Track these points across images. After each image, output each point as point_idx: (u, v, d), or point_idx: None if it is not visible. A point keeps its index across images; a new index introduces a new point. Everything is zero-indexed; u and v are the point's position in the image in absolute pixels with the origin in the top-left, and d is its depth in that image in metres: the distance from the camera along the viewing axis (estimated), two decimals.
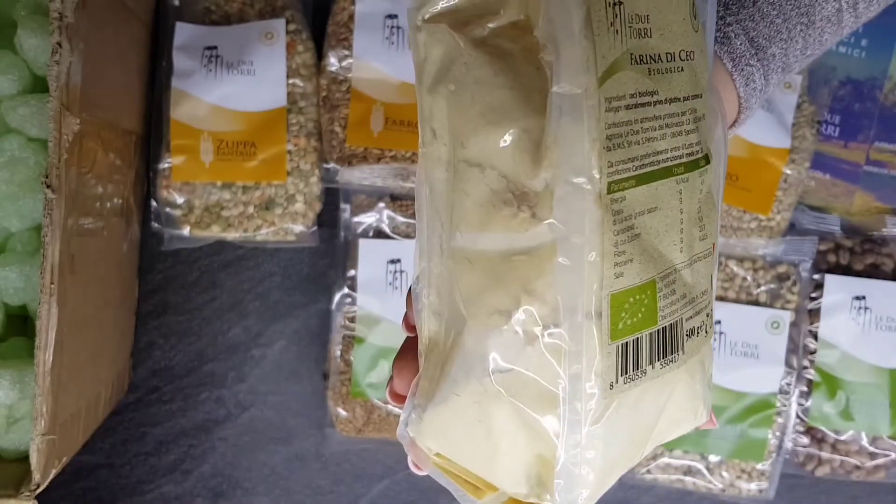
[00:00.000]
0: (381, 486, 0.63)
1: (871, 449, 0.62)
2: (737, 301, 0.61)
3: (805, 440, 0.62)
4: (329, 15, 0.59)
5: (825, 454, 0.62)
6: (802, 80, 0.61)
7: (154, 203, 0.59)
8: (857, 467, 0.62)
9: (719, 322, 0.60)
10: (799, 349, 0.61)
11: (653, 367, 0.27)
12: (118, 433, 0.61)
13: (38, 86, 0.53)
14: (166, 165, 0.57)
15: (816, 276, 0.62)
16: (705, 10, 0.29)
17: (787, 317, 0.61)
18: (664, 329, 0.27)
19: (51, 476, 0.45)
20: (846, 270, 0.62)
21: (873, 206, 0.65)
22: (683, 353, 0.28)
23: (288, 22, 0.57)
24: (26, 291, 0.52)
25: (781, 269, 0.61)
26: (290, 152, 0.58)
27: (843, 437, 0.62)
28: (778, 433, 0.61)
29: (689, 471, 0.61)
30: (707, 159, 0.28)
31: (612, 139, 0.25)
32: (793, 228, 0.63)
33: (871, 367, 0.61)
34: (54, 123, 0.43)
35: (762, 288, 0.61)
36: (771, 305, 0.61)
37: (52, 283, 0.43)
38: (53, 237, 0.43)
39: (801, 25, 0.35)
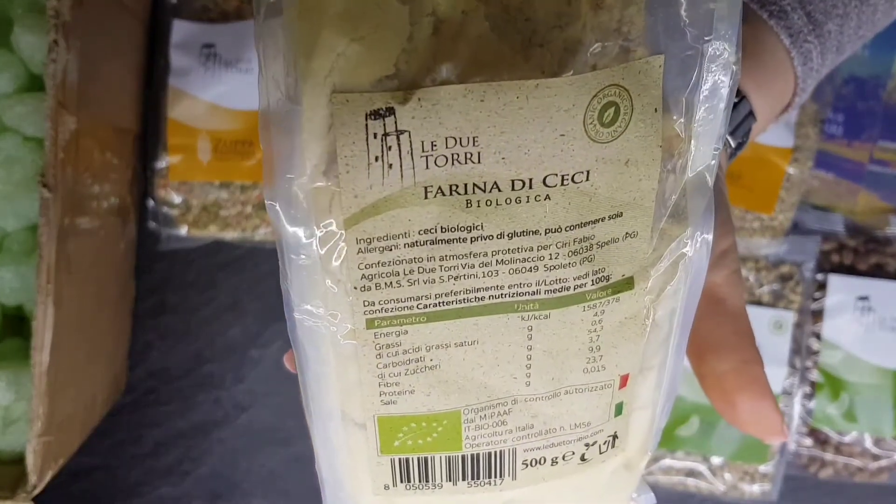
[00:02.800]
0: None
1: (875, 451, 0.62)
2: None
3: (808, 442, 0.62)
4: None
5: (829, 456, 0.62)
6: None
7: (151, 202, 0.58)
8: (861, 469, 0.62)
9: None
10: (802, 350, 0.61)
11: (454, 484, 0.26)
12: (115, 435, 0.60)
13: (35, 84, 0.52)
14: (163, 164, 0.57)
15: (820, 276, 0.62)
16: (689, 100, 0.23)
17: (790, 317, 0.60)
18: (473, 456, 0.26)
19: (47, 478, 0.45)
20: (850, 270, 0.62)
21: (877, 206, 0.65)
22: (514, 479, 0.27)
23: None
24: (22, 291, 0.51)
25: (784, 269, 0.61)
26: None
27: (846, 439, 0.62)
28: None
29: (691, 472, 0.61)
30: (617, 289, 0.24)
31: (373, 279, 0.23)
32: (796, 228, 0.63)
33: (874, 367, 0.61)
34: (51, 122, 0.42)
35: (765, 288, 0.61)
36: (774, 306, 0.61)
37: (48, 283, 0.42)
38: (50, 237, 0.42)
39: (855, 1, 0.32)
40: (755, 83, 0.32)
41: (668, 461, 0.61)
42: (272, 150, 0.22)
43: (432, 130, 0.21)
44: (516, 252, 0.23)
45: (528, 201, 0.22)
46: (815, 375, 0.61)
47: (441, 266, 0.23)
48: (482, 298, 0.23)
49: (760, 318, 0.60)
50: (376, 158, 0.21)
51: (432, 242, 0.22)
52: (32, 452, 0.43)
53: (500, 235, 0.22)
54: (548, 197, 0.22)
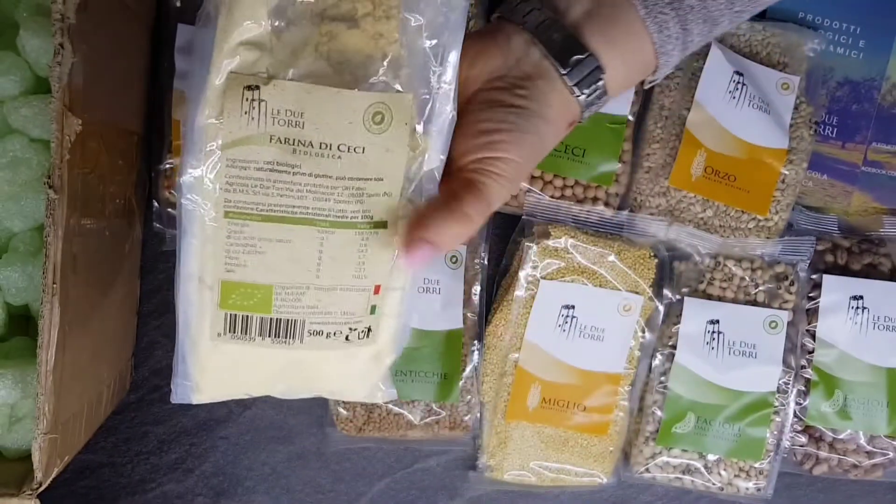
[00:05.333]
0: (381, 484, 0.63)
1: (869, 448, 0.62)
2: (735, 301, 0.61)
3: (803, 439, 0.63)
4: None
5: (823, 453, 0.63)
6: (800, 80, 0.62)
7: (156, 203, 0.59)
8: (855, 466, 0.63)
9: (717, 322, 0.60)
10: (797, 348, 0.62)
11: (262, 339, 0.39)
12: (120, 432, 0.61)
13: (41, 87, 0.53)
14: (168, 166, 0.58)
15: (814, 276, 0.62)
16: (430, 123, 0.38)
17: (784, 316, 0.61)
18: (278, 319, 0.39)
19: (53, 475, 0.46)
20: (844, 270, 0.63)
21: (871, 207, 0.65)
22: (302, 342, 0.39)
23: None
24: (28, 291, 0.52)
25: (779, 268, 0.62)
26: None
27: (840, 436, 0.62)
28: (776, 432, 0.61)
29: (687, 469, 0.62)
30: (376, 226, 0.39)
31: (233, 185, 0.37)
32: (791, 228, 0.63)
33: (868, 366, 0.61)
34: (56, 124, 0.43)
35: (760, 288, 0.61)
36: (769, 305, 0.61)
37: (54, 282, 0.43)
38: (55, 237, 0.43)
39: None
40: (607, 41, 0.38)
41: (664, 458, 0.61)
42: (188, 104, 0.37)
43: (279, 104, 0.36)
44: (318, 187, 0.37)
45: (328, 157, 0.37)
46: (809, 374, 0.62)
47: (273, 186, 0.37)
48: (295, 213, 0.37)
49: (756, 318, 0.61)
50: (245, 112, 0.36)
51: (271, 170, 0.37)
52: (38, 450, 0.44)
53: (311, 174, 0.37)
54: (339, 157, 0.37)
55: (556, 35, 0.38)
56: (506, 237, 0.63)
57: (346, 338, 0.40)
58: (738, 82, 0.60)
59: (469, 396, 0.60)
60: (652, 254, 0.60)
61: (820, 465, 0.63)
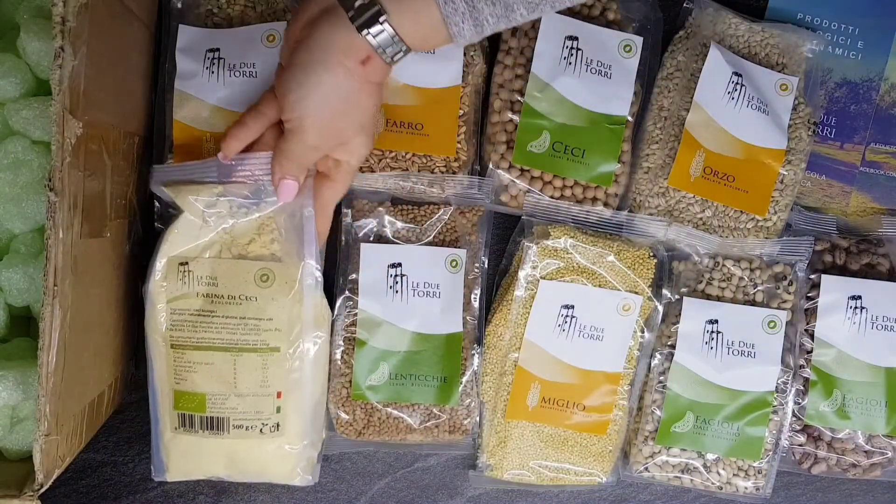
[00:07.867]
0: (381, 483, 0.64)
1: (867, 447, 0.63)
2: (734, 301, 0.61)
3: (801, 438, 0.63)
4: None
5: (822, 452, 0.63)
6: (799, 81, 0.62)
7: (157, 203, 0.59)
8: (854, 465, 0.63)
9: (717, 321, 0.61)
10: (795, 348, 0.62)
11: (203, 431, 0.54)
12: (122, 431, 0.61)
13: (41, 89, 0.53)
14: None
15: (813, 276, 0.62)
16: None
17: (783, 316, 0.61)
18: (210, 417, 0.54)
19: (54, 476, 0.46)
20: (842, 270, 0.63)
21: (869, 207, 0.66)
22: (229, 433, 0.54)
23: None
24: (30, 293, 0.52)
25: (778, 269, 0.62)
26: None
27: (839, 436, 0.62)
28: (774, 431, 0.62)
29: (686, 468, 0.62)
30: (272, 350, 0.53)
31: (175, 325, 0.53)
32: (789, 229, 0.64)
33: (866, 365, 0.62)
34: (57, 126, 0.43)
35: (759, 288, 0.62)
36: (767, 305, 0.62)
37: (55, 284, 0.43)
38: (56, 239, 0.43)
39: None
40: (396, 3, 0.44)
41: (663, 457, 0.62)
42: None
43: (200, 272, 0.53)
44: (228, 325, 0.53)
45: (233, 304, 0.53)
46: (808, 373, 0.62)
47: (199, 325, 0.53)
48: (214, 343, 0.53)
49: (754, 317, 0.61)
50: (180, 279, 0.54)
51: (198, 315, 0.53)
52: (39, 451, 0.44)
53: (223, 316, 0.53)
54: (241, 304, 0.53)
55: None
56: (506, 237, 0.63)
57: (260, 431, 0.54)
58: (737, 83, 0.60)
59: (469, 400, 0.61)
60: (651, 254, 0.60)
61: (818, 465, 0.63)
